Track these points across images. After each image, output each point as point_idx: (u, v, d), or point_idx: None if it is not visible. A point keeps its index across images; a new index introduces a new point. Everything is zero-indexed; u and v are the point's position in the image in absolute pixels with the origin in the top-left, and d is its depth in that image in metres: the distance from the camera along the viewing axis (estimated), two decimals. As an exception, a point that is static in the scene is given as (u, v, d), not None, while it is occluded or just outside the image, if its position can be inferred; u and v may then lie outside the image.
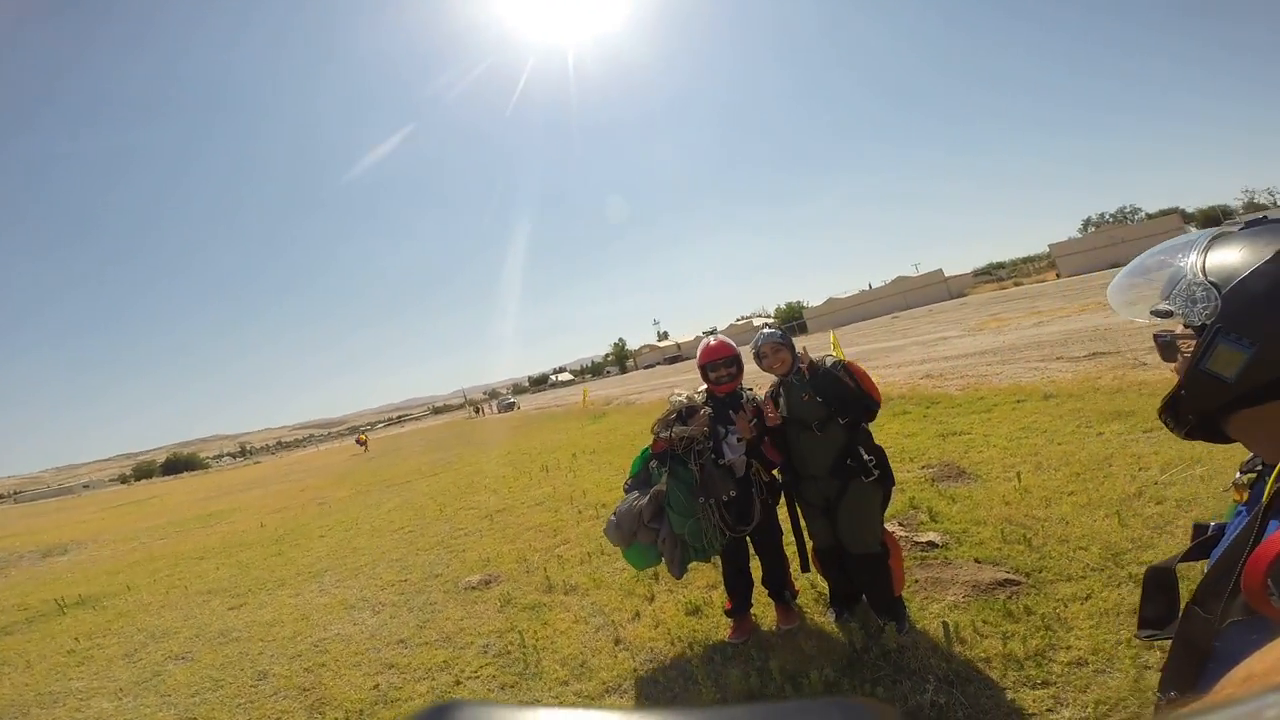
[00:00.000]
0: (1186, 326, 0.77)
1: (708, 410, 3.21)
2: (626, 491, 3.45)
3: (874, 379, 3.03)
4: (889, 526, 3.81)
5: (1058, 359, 9.81)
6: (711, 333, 3.41)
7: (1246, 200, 60.33)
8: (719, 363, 3.24)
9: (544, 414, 32.72)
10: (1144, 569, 2.98)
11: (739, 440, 3.14)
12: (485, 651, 3.95)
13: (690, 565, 3.31)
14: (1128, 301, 0.91)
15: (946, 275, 59.72)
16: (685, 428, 3.19)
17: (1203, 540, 0.93)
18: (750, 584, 3.38)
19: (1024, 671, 2.56)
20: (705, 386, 3.35)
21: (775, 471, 3.30)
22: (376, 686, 3.80)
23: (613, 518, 3.30)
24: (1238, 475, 0.87)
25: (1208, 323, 0.73)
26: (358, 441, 39.10)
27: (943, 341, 16.99)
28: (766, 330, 3.17)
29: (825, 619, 3.28)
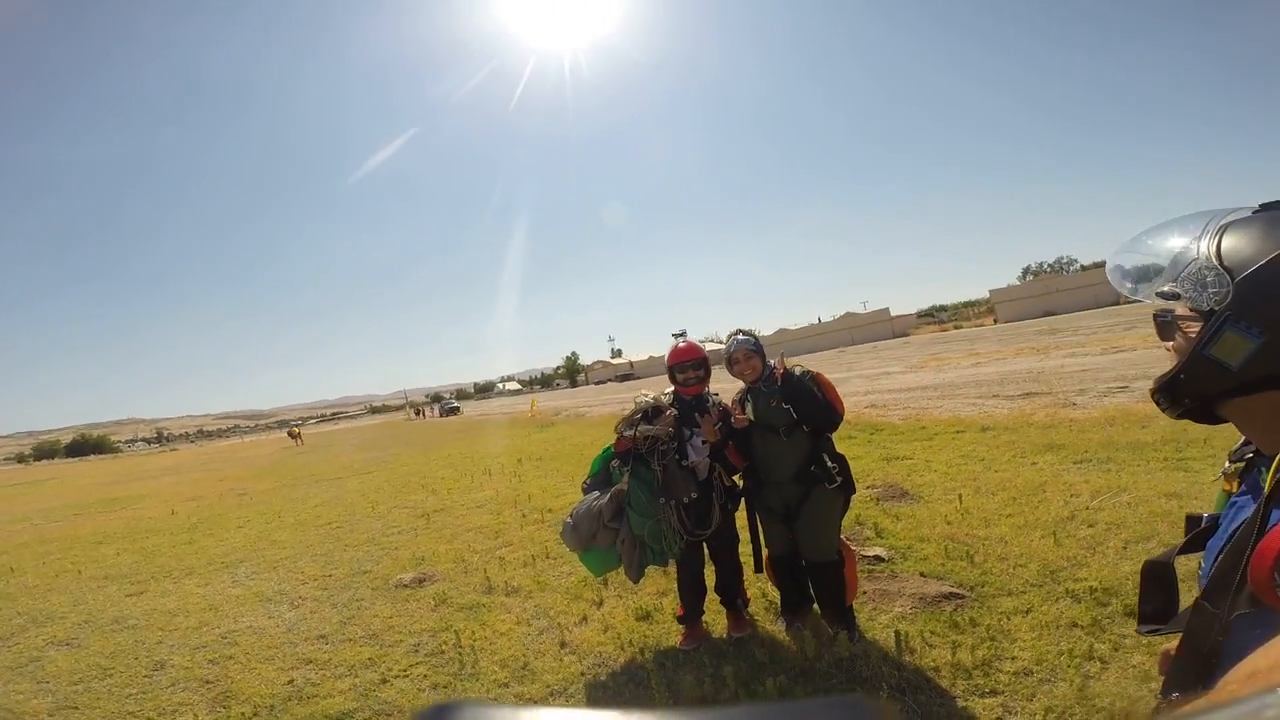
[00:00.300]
0: (1192, 310, 0.76)
1: (673, 411, 3.16)
2: (585, 491, 3.37)
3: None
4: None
5: (994, 396, 10.25)
6: (681, 335, 3.40)
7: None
8: (688, 364, 3.20)
9: (488, 420, 32.08)
10: (1081, 586, 3.00)
11: (704, 443, 3.11)
12: (416, 650, 3.74)
13: (647, 569, 3.25)
14: (1130, 280, 0.90)
15: (892, 315, 62.18)
16: (650, 427, 3.14)
17: (1198, 532, 0.92)
18: (704, 591, 3.32)
19: (972, 680, 2.58)
20: (672, 388, 3.31)
21: (736, 477, 3.28)
22: (291, 682, 3.54)
23: (569, 520, 3.21)
24: (1226, 464, 0.86)
25: (1216, 308, 0.72)
26: (290, 434, 39.02)
27: (886, 376, 17.56)
28: (740, 337, 3.18)
29: (776, 627, 3.24)
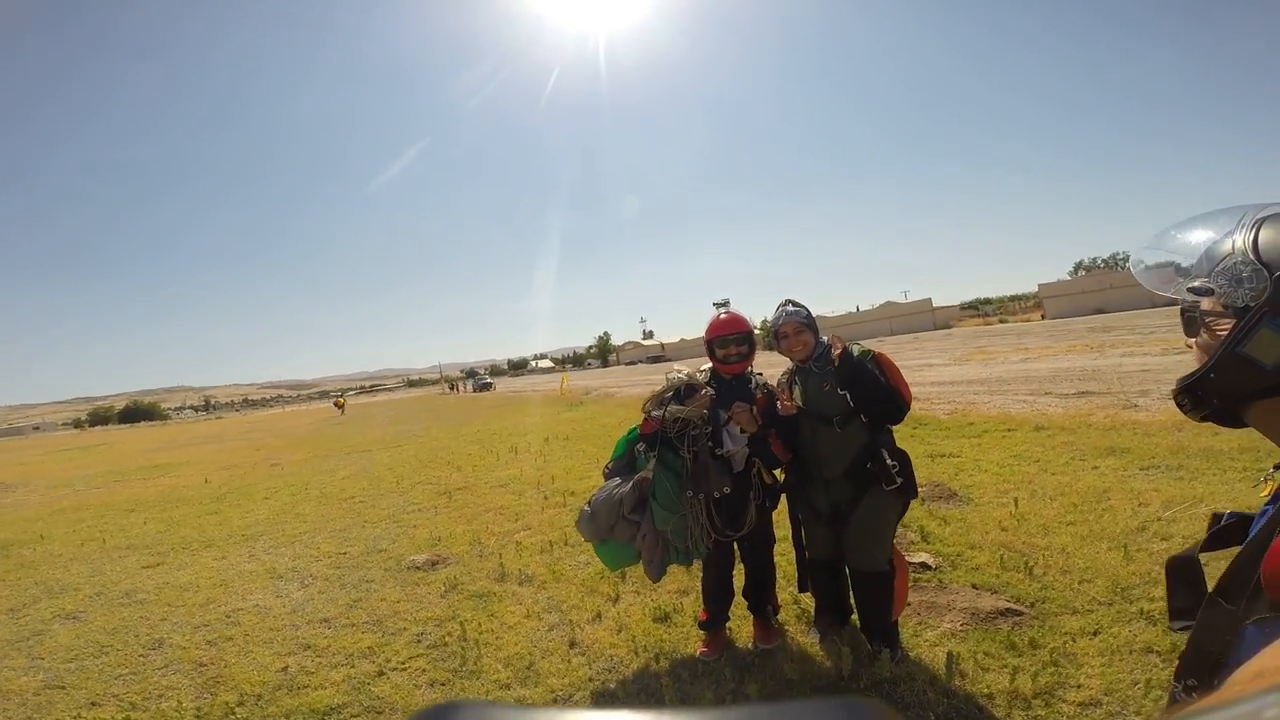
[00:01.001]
0: (1225, 306, 0.73)
1: (709, 391, 2.79)
2: (606, 477, 3.04)
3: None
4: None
5: (1046, 394, 9.65)
6: (724, 305, 3.01)
7: None
8: (729, 338, 2.80)
9: (519, 397, 32.21)
10: (1156, 607, 2.58)
11: (741, 431, 2.73)
12: (419, 640, 3.54)
13: (669, 567, 2.93)
14: (1158, 276, 0.87)
15: (934, 306, 60.34)
16: (681, 407, 2.77)
17: (1220, 529, 0.89)
18: (731, 595, 3.00)
19: (1032, 711, 2.26)
20: (710, 365, 2.94)
21: (778, 472, 2.89)
22: (285, 669, 3.34)
23: (586, 507, 2.88)
24: (1272, 470, 0.82)
25: (1251, 305, 0.69)
26: (335, 404, 41.67)
27: (929, 368, 16.88)
28: (790, 308, 2.73)
29: (808, 639, 2.92)
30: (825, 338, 2.77)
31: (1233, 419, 0.78)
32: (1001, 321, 50.07)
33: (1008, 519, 4.09)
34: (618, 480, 2.90)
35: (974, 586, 3.21)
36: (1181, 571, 0.95)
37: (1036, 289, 52.99)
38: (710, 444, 2.73)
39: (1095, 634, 2.63)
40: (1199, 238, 0.80)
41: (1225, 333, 0.73)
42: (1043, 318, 44.84)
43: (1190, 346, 0.80)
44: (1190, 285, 0.77)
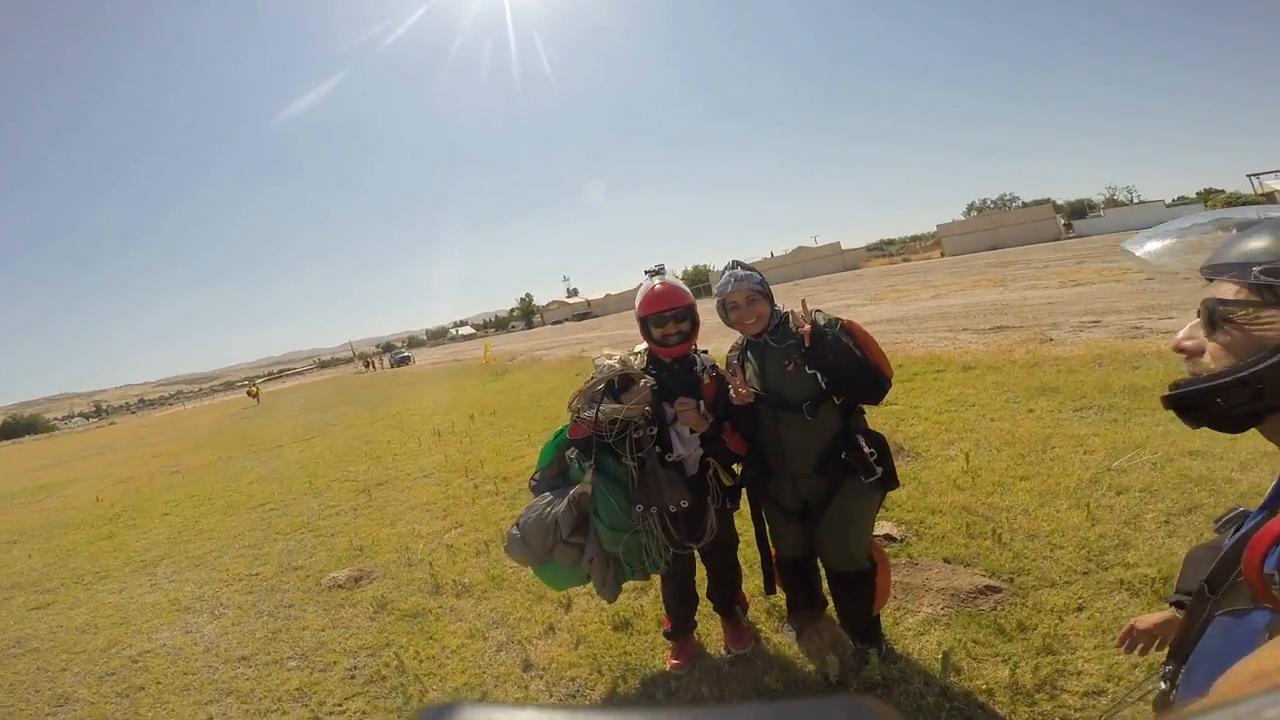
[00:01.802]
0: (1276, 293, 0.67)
1: (650, 381, 2.30)
2: (534, 491, 2.57)
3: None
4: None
5: (964, 330, 9.96)
6: (657, 272, 2.41)
7: (1108, 196, 67.25)
8: (667, 315, 2.31)
9: (441, 370, 30.91)
10: (1134, 574, 2.44)
11: (692, 431, 2.32)
12: (352, 676, 3.13)
13: (622, 586, 2.54)
14: (1180, 257, 0.84)
15: (843, 249, 62.43)
16: (617, 405, 2.25)
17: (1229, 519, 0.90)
18: (695, 602, 2.69)
19: (1037, 707, 2.10)
20: (645, 346, 2.45)
21: (735, 466, 2.49)
22: None
23: (515, 530, 2.41)
24: None
25: None
26: (249, 394, 41.45)
27: (847, 309, 17.23)
28: (740, 272, 2.27)
29: (784, 638, 2.69)
30: (782, 307, 2.36)
31: (1236, 424, 0.73)
32: (905, 260, 52.43)
33: (960, 476, 4.02)
34: (549, 496, 2.45)
35: (946, 560, 3.07)
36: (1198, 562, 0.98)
37: (935, 229, 55.63)
38: (657, 448, 2.28)
39: (1080, 609, 2.52)
40: (1235, 230, 0.77)
41: (1271, 326, 0.67)
42: (942, 255, 47.17)
43: (1187, 350, 0.76)
44: (1265, 267, 0.68)
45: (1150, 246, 0.90)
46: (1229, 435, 0.74)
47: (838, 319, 2.24)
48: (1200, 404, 0.73)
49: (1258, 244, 0.71)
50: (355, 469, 8.29)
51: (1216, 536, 0.94)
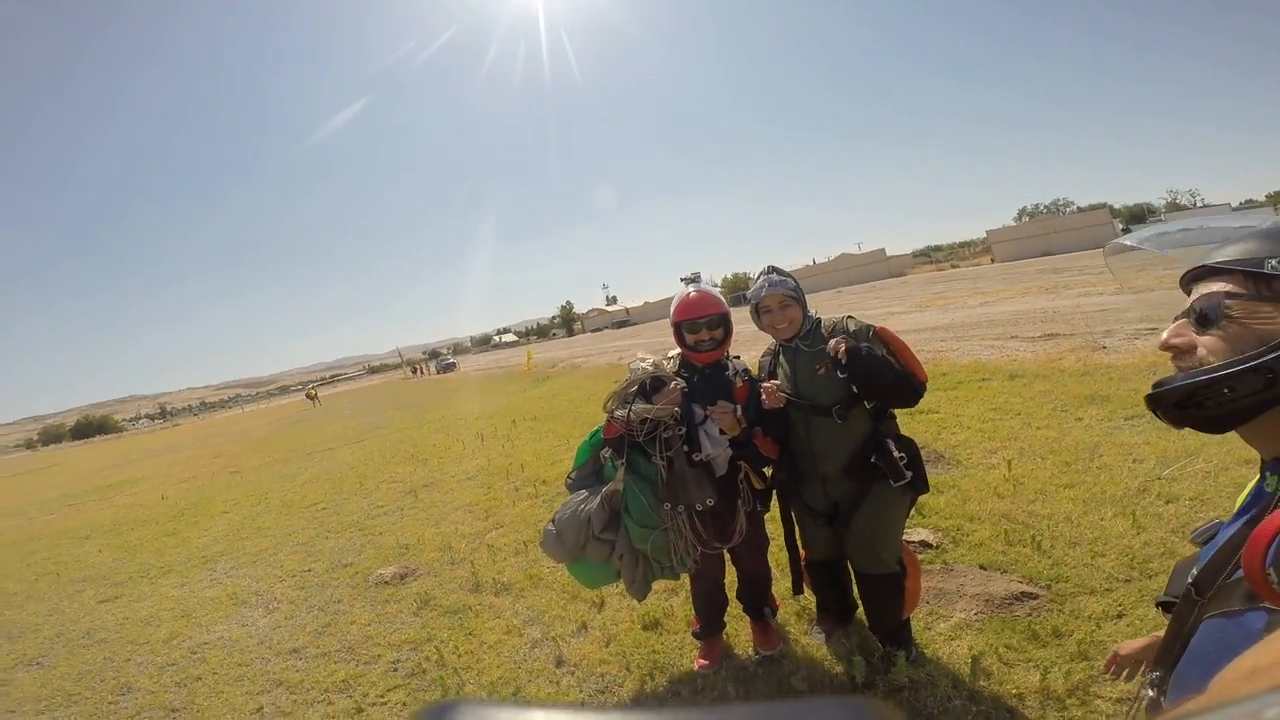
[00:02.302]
0: (1277, 288, 0.69)
1: (680, 384, 2.39)
2: (570, 489, 2.68)
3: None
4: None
5: (1013, 338, 9.67)
6: (693, 280, 2.50)
7: (1170, 200, 64.07)
8: (700, 322, 2.38)
9: (484, 376, 31.58)
10: None
11: (722, 433, 2.38)
12: (395, 669, 3.26)
13: (652, 584, 2.61)
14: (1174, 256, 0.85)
15: (888, 255, 61.19)
16: (649, 406, 2.34)
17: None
18: (725, 603, 2.73)
19: (1067, 712, 2.07)
20: (678, 351, 2.53)
21: (767, 470, 2.53)
22: (260, 710, 3.14)
23: (551, 527, 2.52)
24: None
25: None
26: (308, 396, 44.71)
27: (890, 316, 16.92)
28: (774, 277, 2.32)
29: (812, 641, 2.70)
30: (815, 312, 2.41)
31: (1217, 425, 0.74)
32: (954, 267, 51.02)
33: (1002, 484, 3.94)
34: (584, 494, 2.55)
35: (982, 567, 3.03)
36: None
37: (985, 235, 54.02)
38: (685, 448, 2.35)
39: (1120, 617, 2.47)
40: (1233, 222, 0.79)
41: (1270, 319, 0.69)
42: (992, 261, 45.77)
43: (1177, 347, 0.77)
44: (1270, 258, 0.69)
45: (1123, 252, 0.92)
46: None
47: (869, 326, 2.27)
48: (1202, 398, 0.72)
49: (1253, 245, 0.72)
50: (402, 471, 8.58)
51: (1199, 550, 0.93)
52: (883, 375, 2.13)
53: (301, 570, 5.08)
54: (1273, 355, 0.68)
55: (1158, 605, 0.91)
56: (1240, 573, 0.67)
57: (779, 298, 2.31)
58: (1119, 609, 2.52)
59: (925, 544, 3.33)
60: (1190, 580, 0.77)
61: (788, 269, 2.36)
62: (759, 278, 2.38)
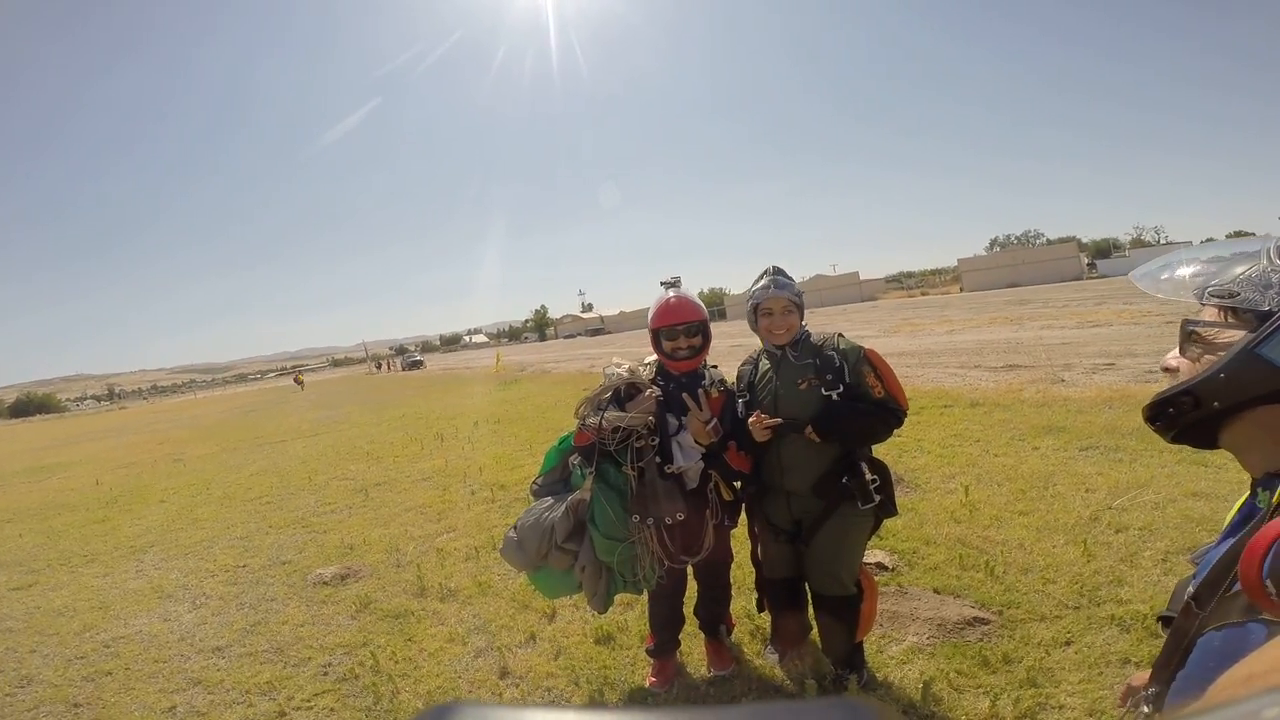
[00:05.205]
0: (1235, 315, 0.74)
1: (655, 392, 2.31)
2: (534, 495, 2.58)
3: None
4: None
5: (976, 367, 9.85)
6: (673, 284, 2.42)
7: (1135, 235, 66.66)
8: (679, 328, 2.31)
9: (451, 375, 31.08)
10: (1126, 610, 2.36)
11: (696, 442, 2.29)
12: (326, 673, 3.10)
13: (614, 598, 2.51)
14: (1170, 285, 0.85)
15: (861, 279, 62.37)
16: (621, 414, 2.25)
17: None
18: (682, 621, 2.63)
19: (1015, 741, 2.03)
20: (655, 358, 2.45)
21: (738, 481, 2.47)
22: (173, 709, 2.98)
23: (512, 533, 2.42)
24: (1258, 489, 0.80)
25: (1276, 309, 0.70)
26: (295, 380, 45.76)
27: (860, 340, 17.11)
28: (780, 279, 2.24)
29: (765, 661, 2.63)
30: (804, 325, 2.32)
31: (1207, 438, 0.79)
32: (923, 294, 52.20)
33: (959, 509, 3.95)
34: (549, 501, 2.44)
35: (936, 591, 3.00)
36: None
37: (956, 263, 55.42)
38: (658, 459, 2.28)
39: (1068, 644, 2.46)
40: (1205, 265, 0.82)
41: (1228, 342, 0.74)
42: (961, 290, 46.93)
43: (1170, 368, 0.82)
44: (1217, 288, 0.76)
45: (1151, 277, 0.93)
46: (1234, 479, 0.82)
47: (859, 347, 2.21)
48: (1161, 413, 0.80)
49: (1235, 270, 0.76)
50: (355, 468, 8.31)
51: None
52: (858, 432, 2.16)
53: (235, 565, 4.86)
54: (1198, 381, 0.75)
55: (1159, 620, 0.94)
56: (1239, 585, 0.66)
57: (783, 302, 2.24)
58: (1068, 636, 2.52)
59: (881, 566, 3.30)
60: (1189, 595, 0.77)
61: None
62: (762, 277, 2.30)
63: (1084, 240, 61.57)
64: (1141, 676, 1.11)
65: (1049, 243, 61.41)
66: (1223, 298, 0.75)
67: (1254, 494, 0.77)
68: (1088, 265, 46.94)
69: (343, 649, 3.28)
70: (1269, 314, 0.71)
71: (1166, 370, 0.83)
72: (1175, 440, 0.82)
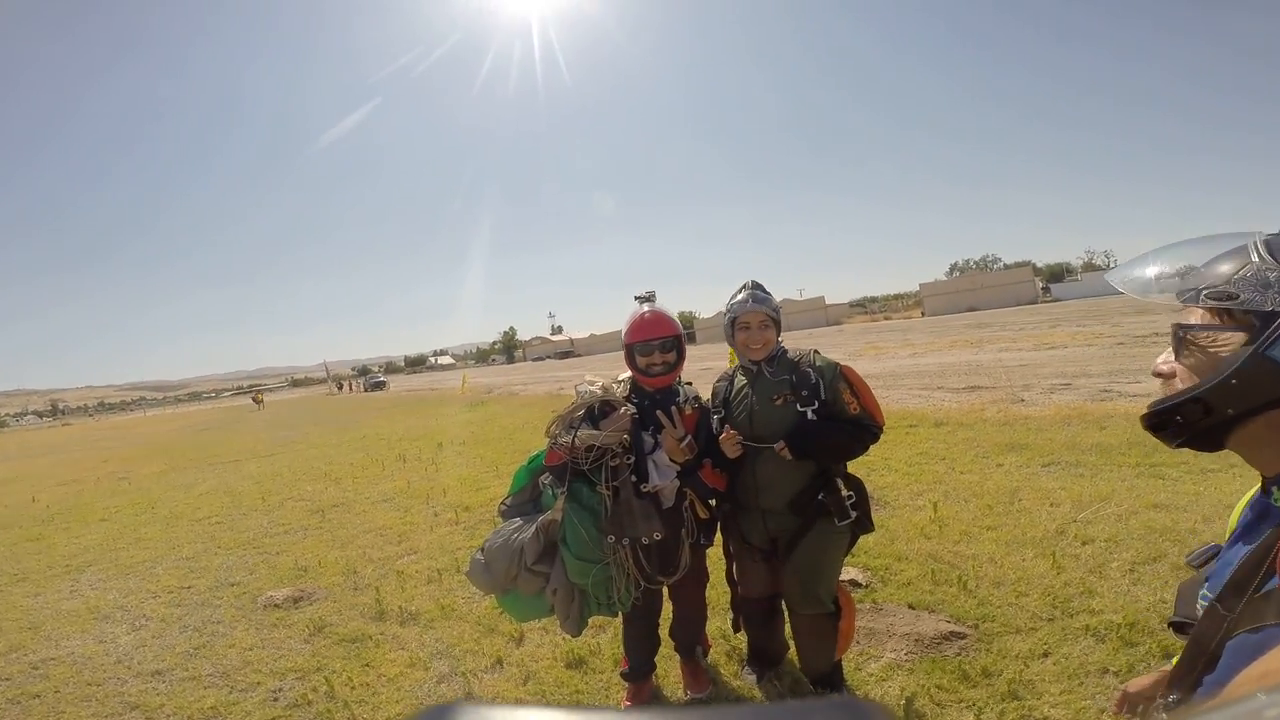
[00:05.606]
0: (1230, 317, 0.72)
1: (630, 410, 2.25)
2: (503, 516, 2.46)
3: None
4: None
5: (939, 388, 10.05)
6: (648, 299, 2.36)
7: (1087, 259, 69.46)
8: (654, 344, 2.24)
9: (415, 397, 30.44)
10: (1100, 620, 2.35)
11: (672, 460, 2.21)
12: (275, 698, 2.92)
13: (588, 620, 2.40)
14: (1149, 285, 0.84)
15: (826, 304, 63.69)
16: (595, 432, 2.19)
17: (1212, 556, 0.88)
18: (657, 644, 2.54)
19: (999, 759, 1.99)
20: (628, 375, 2.39)
21: (712, 501, 2.41)
22: None
23: (479, 555, 2.30)
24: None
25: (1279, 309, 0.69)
26: (254, 400, 45.02)
27: (826, 362, 17.39)
28: (759, 294, 2.22)
29: (743, 682, 2.55)
30: (781, 341, 2.30)
31: (1213, 442, 0.76)
32: (886, 319, 53.50)
33: (928, 525, 3.96)
34: (518, 522, 2.33)
35: (910, 606, 2.98)
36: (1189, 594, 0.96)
37: (918, 288, 56.96)
38: (633, 477, 2.21)
39: (1046, 655, 2.45)
40: (1192, 260, 0.80)
41: (1227, 344, 0.72)
42: (922, 315, 48.22)
43: (1163, 374, 0.80)
44: (1214, 290, 0.73)
45: (1128, 276, 0.92)
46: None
47: (836, 364, 2.20)
48: (1167, 422, 0.77)
49: (1222, 269, 0.74)
50: (312, 489, 7.98)
51: (1199, 571, 0.93)
52: (832, 449, 2.13)
53: (180, 587, 4.58)
54: (1208, 385, 0.72)
55: (1169, 625, 0.90)
56: (1273, 583, 0.64)
57: (761, 316, 2.21)
58: (1045, 648, 2.51)
59: (855, 583, 3.26)
60: (1214, 597, 0.75)
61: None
62: (741, 291, 2.27)
63: (1039, 265, 63.98)
64: (1138, 682, 1.12)
65: (1005, 267, 63.57)
66: (1221, 299, 0.73)
67: (1268, 492, 0.76)
68: (1042, 289, 48.70)
69: (294, 674, 3.09)
70: (1272, 314, 0.69)
71: (1159, 376, 0.81)
72: (1180, 446, 0.79)
